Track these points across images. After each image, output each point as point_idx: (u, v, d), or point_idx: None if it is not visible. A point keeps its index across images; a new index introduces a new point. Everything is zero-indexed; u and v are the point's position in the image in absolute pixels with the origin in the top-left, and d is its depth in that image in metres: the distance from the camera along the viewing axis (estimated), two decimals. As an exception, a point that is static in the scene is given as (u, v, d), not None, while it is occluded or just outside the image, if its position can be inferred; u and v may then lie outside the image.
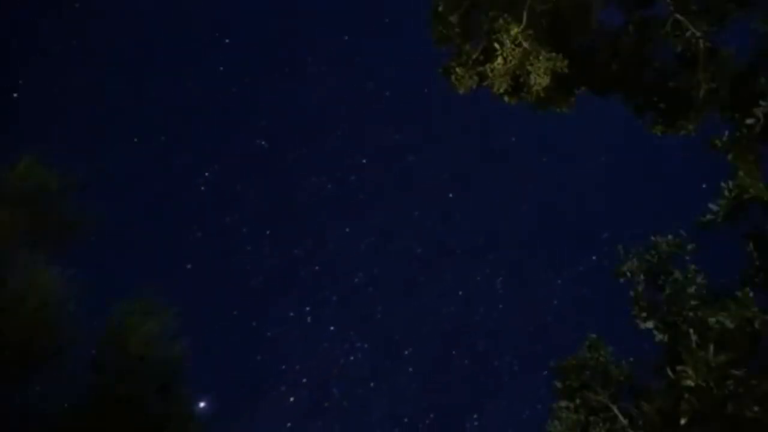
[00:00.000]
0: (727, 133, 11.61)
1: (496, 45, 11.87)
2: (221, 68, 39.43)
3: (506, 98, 12.84)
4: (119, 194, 36.21)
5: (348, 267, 41.93)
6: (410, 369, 41.05)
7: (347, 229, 42.24)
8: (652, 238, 11.65)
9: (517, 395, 37.96)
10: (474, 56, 12.42)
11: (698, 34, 12.04)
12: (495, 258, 41.41)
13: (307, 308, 41.02)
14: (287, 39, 40.35)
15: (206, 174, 39.69)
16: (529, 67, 11.93)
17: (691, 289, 10.89)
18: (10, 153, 13.85)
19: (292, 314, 40.73)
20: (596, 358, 12.50)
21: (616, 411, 11.71)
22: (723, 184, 10.90)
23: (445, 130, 41.37)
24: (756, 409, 9.11)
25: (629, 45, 12.95)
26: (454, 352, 40.84)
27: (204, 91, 39.64)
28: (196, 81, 39.21)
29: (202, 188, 39.97)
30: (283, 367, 40.14)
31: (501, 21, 11.78)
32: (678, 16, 12.09)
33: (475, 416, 39.42)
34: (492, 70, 12.14)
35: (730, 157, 11.50)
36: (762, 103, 10.86)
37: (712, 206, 10.83)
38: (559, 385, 12.70)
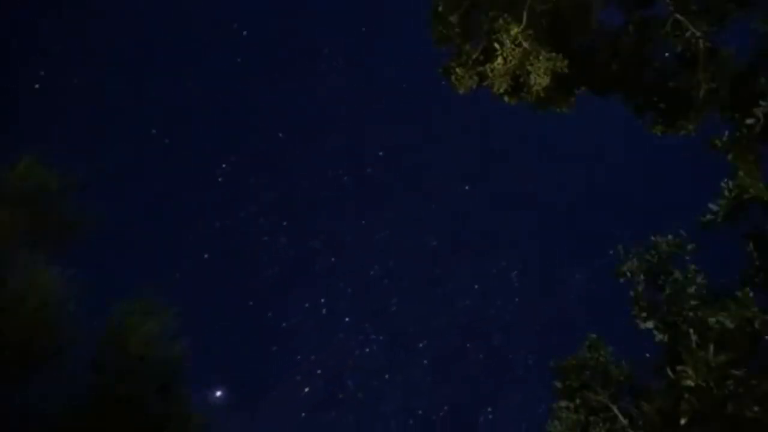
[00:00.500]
0: (727, 133, 11.61)
1: (496, 45, 11.87)
2: (238, 60, 39.46)
3: (506, 98, 12.84)
4: (120, 194, 36.25)
5: (363, 260, 42.26)
6: (425, 362, 41.27)
7: (363, 222, 42.56)
8: (652, 238, 11.64)
9: (532, 389, 37.95)
10: (474, 56, 12.42)
11: (698, 34, 12.04)
12: (511, 252, 41.46)
13: (322, 300, 41.31)
14: (302, 33, 40.37)
15: (223, 166, 39.84)
16: (529, 67, 11.93)
17: (691, 289, 10.89)
18: (10, 153, 13.85)
19: (307, 306, 41.04)
20: (596, 358, 12.50)
21: (616, 411, 11.71)
22: (723, 184, 10.90)
23: (462, 126, 41.31)
24: (756, 409, 9.10)
25: (629, 45, 12.95)
26: (468, 346, 40.97)
27: (220, 84, 39.77)
28: (212, 73, 39.34)
29: (220, 180, 40.09)
30: (298, 357, 40.49)
31: (501, 21, 11.78)
32: (678, 16, 12.09)
33: (489, 410, 39.54)
34: (492, 70, 12.14)
35: (730, 157, 11.50)
36: (762, 103, 10.85)
37: (712, 206, 10.83)
38: (559, 385, 12.69)
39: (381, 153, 41.93)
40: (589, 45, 13.24)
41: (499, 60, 11.95)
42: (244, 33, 39.27)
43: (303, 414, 39.81)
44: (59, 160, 14.19)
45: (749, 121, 10.97)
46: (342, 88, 40.85)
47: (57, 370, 13.21)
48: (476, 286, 41.89)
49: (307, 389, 40.09)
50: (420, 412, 40.31)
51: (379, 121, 41.50)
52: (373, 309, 42.00)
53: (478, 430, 40.00)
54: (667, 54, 12.93)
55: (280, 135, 41.09)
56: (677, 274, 11.26)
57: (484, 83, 12.50)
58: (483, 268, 41.90)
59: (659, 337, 10.97)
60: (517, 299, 41.11)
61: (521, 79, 12.34)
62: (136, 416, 13.43)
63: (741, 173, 11.11)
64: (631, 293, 11.48)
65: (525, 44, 11.81)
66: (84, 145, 35.46)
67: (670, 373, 10.01)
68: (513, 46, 11.84)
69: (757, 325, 9.71)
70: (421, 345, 41.29)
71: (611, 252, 11.67)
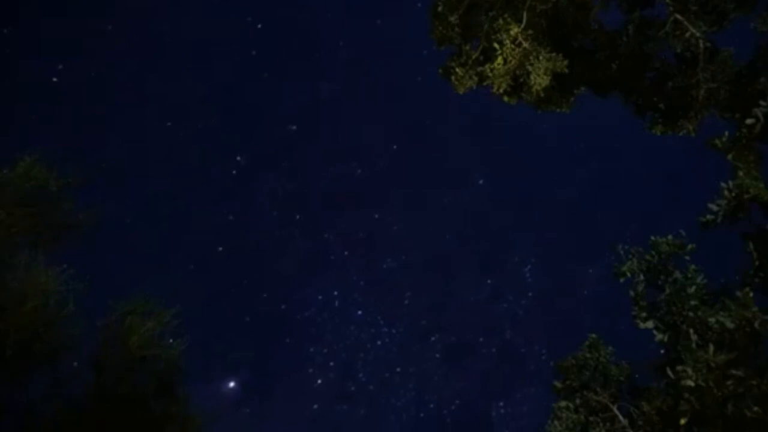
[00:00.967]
0: (727, 133, 11.60)
1: (496, 45, 11.87)
2: (253, 53, 39.47)
3: (506, 98, 12.84)
4: (131, 189, 36.33)
5: (377, 252, 42.47)
6: (437, 355, 41.48)
7: (376, 216, 42.67)
8: (652, 238, 11.63)
9: (544, 383, 37.90)
10: (474, 56, 12.41)
11: (698, 34, 12.03)
12: (525, 247, 41.47)
13: (335, 293, 41.68)
14: (317, 27, 40.33)
15: (238, 159, 39.91)
16: (529, 67, 11.92)
17: (691, 289, 10.86)
18: (10, 153, 13.86)
19: (320, 298, 41.42)
20: (596, 358, 12.49)
21: (616, 411, 11.70)
22: (723, 184, 10.88)
23: (477, 120, 41.21)
24: (756, 409, 9.10)
25: (629, 45, 12.94)
26: (481, 339, 41.09)
27: (235, 77, 39.81)
28: (226, 67, 39.33)
29: (234, 173, 40.15)
30: (311, 350, 40.87)
31: (501, 21, 11.77)
32: (678, 16, 12.08)
33: (501, 404, 39.64)
34: (492, 70, 12.14)
35: (730, 157, 11.49)
36: (762, 103, 10.84)
37: (712, 206, 10.81)
38: (559, 385, 12.69)
39: (395, 147, 41.87)
40: (589, 45, 13.24)
41: (499, 60, 11.94)
42: (259, 26, 39.29)
43: (315, 406, 40.16)
44: (60, 159, 14.22)
45: (749, 121, 10.96)
46: (358, 82, 40.84)
47: (57, 370, 13.22)
48: (489, 281, 42.03)
49: (319, 381, 40.50)
50: (432, 405, 40.56)
51: (393, 116, 41.51)
52: (385, 302, 42.30)
53: (490, 424, 40.07)
54: (667, 54, 12.94)
55: (294, 128, 41.11)
56: (677, 274, 11.24)
57: (484, 83, 12.49)
58: (496, 263, 42.01)
59: (659, 337, 10.96)
60: (530, 294, 41.13)
61: (521, 79, 12.34)
62: (136, 416, 13.44)
63: (741, 173, 11.10)
64: (631, 293, 11.47)
65: (525, 44, 11.81)
66: (93, 140, 35.54)
67: (670, 373, 9.99)
68: (513, 46, 11.84)
69: (757, 325, 9.70)
70: (433, 338, 41.51)
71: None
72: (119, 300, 14.28)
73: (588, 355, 12.60)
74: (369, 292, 42.13)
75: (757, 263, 10.80)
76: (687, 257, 11.48)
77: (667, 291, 11.16)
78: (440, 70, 12.85)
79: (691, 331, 10.30)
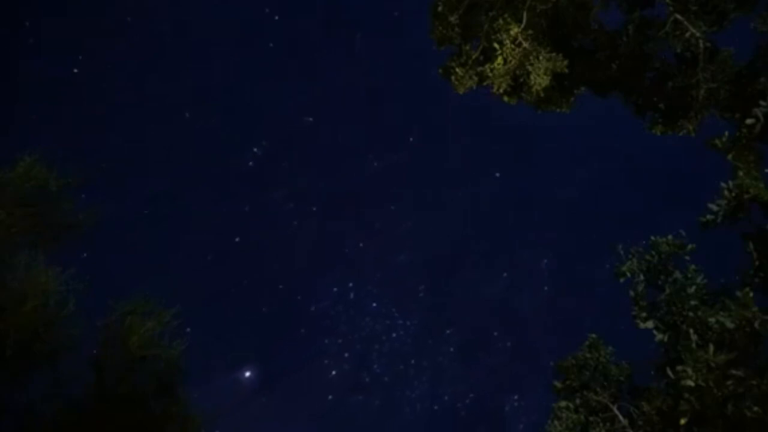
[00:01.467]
0: (727, 133, 11.60)
1: (496, 45, 11.87)
2: (270, 45, 39.44)
3: (506, 98, 12.84)
4: (122, 193, 36.30)
5: (392, 245, 42.49)
6: (451, 349, 41.55)
7: (392, 208, 42.72)
8: (652, 238, 11.63)
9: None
10: (474, 56, 12.41)
11: (698, 34, 12.03)
12: (541, 241, 41.29)
13: (350, 285, 41.82)
14: (335, 18, 40.24)
15: (255, 150, 39.92)
16: (529, 67, 11.92)
17: (691, 289, 10.86)
18: (10, 153, 13.85)
19: (335, 290, 41.58)
20: (596, 358, 12.50)
21: (616, 411, 11.71)
22: (723, 184, 10.87)
23: (494, 114, 41.06)
24: (756, 409, 9.10)
25: (629, 45, 12.94)
26: (495, 333, 41.02)
27: (252, 69, 39.82)
28: (243, 58, 39.35)
29: (250, 164, 40.17)
30: (326, 341, 41.15)
31: (501, 21, 11.77)
32: (678, 16, 12.08)
33: (516, 398, 39.64)
34: (492, 70, 12.13)
35: (730, 157, 11.49)
36: (762, 103, 10.84)
37: (712, 206, 10.81)
38: (559, 385, 12.69)
39: (411, 139, 41.79)
40: (589, 45, 13.23)
41: (499, 60, 11.94)
42: (276, 18, 39.25)
43: (330, 396, 40.49)
44: (60, 159, 14.23)
45: (749, 121, 10.96)
46: (375, 74, 40.71)
47: (57, 370, 13.22)
48: (505, 274, 41.99)
49: (334, 372, 40.80)
50: (446, 398, 40.72)
51: (409, 109, 41.38)
52: (400, 295, 42.40)
53: (503, 418, 40.10)
54: (667, 54, 12.93)
55: (311, 120, 41.07)
56: (677, 274, 11.23)
57: (484, 83, 12.49)
58: (512, 257, 41.95)
59: (659, 337, 10.95)
60: (546, 288, 41.00)
61: (521, 79, 12.34)
62: (136, 416, 13.44)
63: (741, 173, 11.10)
64: (631, 293, 11.47)
65: (525, 44, 11.81)
66: (93, 140, 35.55)
67: (670, 373, 9.99)
68: (513, 46, 11.84)
69: (757, 325, 9.70)
70: (448, 332, 41.57)
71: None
72: (119, 300, 14.28)
73: (588, 355, 12.61)
74: (384, 284, 42.31)
75: (757, 263, 10.79)
76: (687, 257, 11.48)
77: (667, 291, 11.16)
78: (440, 70, 12.85)
79: (691, 331, 10.30)
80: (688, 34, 12.16)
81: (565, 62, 11.77)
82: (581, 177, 41.19)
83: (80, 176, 14.28)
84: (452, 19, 12.22)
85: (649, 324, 11.09)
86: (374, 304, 41.68)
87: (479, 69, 12.36)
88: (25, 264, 13.14)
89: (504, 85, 12.35)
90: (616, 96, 13.64)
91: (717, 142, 11.63)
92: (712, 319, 10.09)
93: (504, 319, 41.15)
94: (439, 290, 42.44)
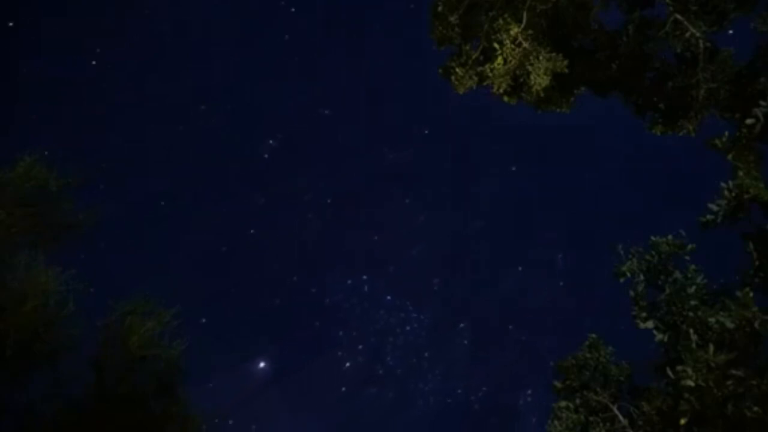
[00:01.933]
0: (727, 133, 11.60)
1: (496, 45, 11.87)
2: (286, 37, 39.40)
3: (506, 98, 12.84)
4: (122, 193, 36.31)
5: (406, 238, 42.42)
6: (465, 342, 41.44)
7: (406, 201, 42.57)
8: (652, 238, 11.63)
9: None
10: (474, 56, 12.41)
11: (698, 34, 12.03)
12: (556, 234, 41.06)
13: (364, 277, 41.89)
14: (352, 9, 40.13)
15: (270, 142, 39.94)
16: (529, 67, 11.92)
17: (691, 289, 10.86)
18: (10, 153, 13.86)
19: (349, 282, 41.65)
20: (596, 358, 12.49)
21: (616, 411, 11.70)
22: (723, 184, 10.87)
23: (508, 109, 40.77)
24: (756, 409, 9.10)
25: (629, 45, 12.94)
26: (510, 327, 40.95)
27: (267, 61, 39.79)
28: (259, 50, 39.32)
29: (266, 156, 40.21)
30: (340, 333, 41.34)
31: (501, 21, 11.77)
32: (678, 16, 12.08)
33: (529, 392, 39.52)
34: (492, 70, 12.14)
35: (730, 157, 11.49)
36: (762, 103, 10.84)
37: (712, 206, 10.81)
38: (559, 385, 12.69)
39: (426, 132, 41.66)
40: (589, 45, 13.23)
41: (499, 60, 11.94)
42: (292, 10, 39.19)
43: (343, 388, 40.70)
44: (60, 159, 14.23)
45: (749, 121, 10.95)
46: (390, 66, 40.58)
47: (57, 370, 13.22)
48: (519, 268, 41.82)
49: (348, 364, 40.99)
50: (459, 391, 40.75)
51: (425, 101, 41.26)
52: (414, 288, 42.40)
53: (516, 413, 40.02)
54: (667, 54, 12.93)
55: (327, 112, 41.02)
56: (677, 274, 11.23)
57: (484, 83, 12.49)
58: (527, 251, 41.71)
59: (659, 337, 10.95)
60: (561, 283, 40.87)
61: (521, 79, 12.34)
62: (136, 416, 13.44)
63: (741, 173, 11.10)
64: (631, 293, 11.47)
65: (525, 44, 11.81)
66: (93, 140, 35.56)
67: (670, 373, 9.99)
68: (513, 46, 11.84)
69: (757, 325, 9.70)
70: (461, 325, 41.47)
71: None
72: (119, 300, 14.28)
73: (588, 355, 12.61)
74: (398, 277, 42.35)
75: (757, 263, 10.79)
76: (687, 257, 11.48)
77: (667, 291, 11.16)
78: (440, 70, 12.85)
79: (691, 331, 10.30)
80: (688, 34, 12.16)
81: (565, 62, 11.78)
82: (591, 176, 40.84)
83: (80, 176, 14.29)
84: (452, 19, 12.22)
85: (649, 324, 11.09)
86: (388, 297, 41.82)
87: (479, 69, 12.37)
88: (25, 264, 13.14)
89: (504, 85, 12.35)
90: (616, 96, 13.64)
91: (717, 142, 11.63)
92: (712, 319, 10.09)
93: (518, 313, 41.05)
94: (453, 284, 42.51)
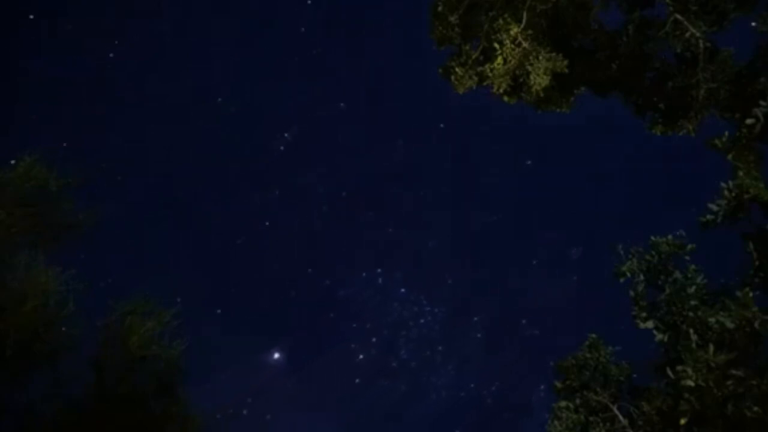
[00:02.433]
0: (727, 133, 11.60)
1: (496, 45, 11.87)
2: (302, 29, 39.34)
3: (506, 98, 12.84)
4: (122, 193, 36.34)
5: (421, 233, 42.24)
6: (478, 335, 41.43)
7: (421, 194, 42.50)
8: (652, 238, 11.63)
9: None
10: (474, 56, 12.41)
11: (698, 34, 12.03)
12: (571, 229, 40.69)
13: (379, 270, 41.85)
14: (352, 8, 40.14)
15: (285, 135, 39.99)
16: (529, 67, 11.92)
17: (691, 289, 10.85)
18: (10, 153, 13.86)
19: (364, 275, 41.75)
20: (596, 358, 12.50)
21: (616, 411, 11.71)
22: (723, 184, 10.87)
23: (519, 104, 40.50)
24: (756, 409, 9.10)
25: (629, 45, 12.94)
26: (524, 322, 40.74)
27: (284, 52, 39.76)
28: (276, 42, 39.33)
29: (282, 148, 40.26)
30: (354, 325, 41.42)
31: (501, 21, 11.77)
32: (678, 16, 12.08)
33: (542, 387, 39.09)
34: (492, 70, 12.14)
35: (730, 157, 11.49)
36: (762, 103, 10.84)
37: (712, 206, 10.81)
38: (559, 385, 12.70)
39: (442, 125, 41.50)
40: (589, 45, 13.23)
41: (499, 60, 11.94)
42: (309, 2, 39.16)
43: (357, 380, 40.78)
44: (60, 159, 14.23)
45: (749, 121, 10.95)
46: (408, 57, 40.40)
47: (57, 370, 13.22)
48: (534, 262, 41.67)
49: (361, 356, 41.05)
50: (472, 385, 40.72)
51: (441, 93, 41.08)
52: (428, 282, 42.39)
53: (530, 407, 39.89)
54: (667, 54, 12.93)
55: (342, 105, 40.99)
56: (677, 274, 11.23)
57: (484, 83, 12.49)
58: (542, 245, 41.53)
59: (659, 337, 10.95)
60: (575, 277, 40.68)
61: (521, 79, 12.34)
62: (136, 416, 13.44)
63: (741, 173, 11.10)
64: (631, 293, 11.47)
65: (525, 44, 11.81)
66: (93, 140, 35.57)
67: (670, 373, 9.99)
68: (513, 46, 11.84)
69: (757, 325, 9.70)
70: (475, 319, 41.38)
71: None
72: (119, 300, 14.28)
73: (588, 355, 12.61)
74: (412, 271, 42.33)
75: (757, 263, 10.79)
76: (687, 257, 11.48)
77: (667, 291, 11.16)
78: (440, 70, 12.85)
79: (691, 331, 10.30)
80: (688, 34, 12.16)
81: (565, 62, 11.77)
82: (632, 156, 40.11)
83: (80, 176, 14.29)
84: (452, 19, 12.22)
85: (649, 324, 11.09)
86: (402, 290, 41.84)
87: (479, 69, 12.37)
88: (25, 264, 13.15)
89: (504, 85, 12.35)
90: (616, 96, 13.64)
91: (717, 142, 11.63)
92: (712, 319, 10.09)
93: (532, 307, 40.82)
94: (467, 277, 42.34)
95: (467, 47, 12.50)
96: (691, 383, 9.52)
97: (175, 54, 38.40)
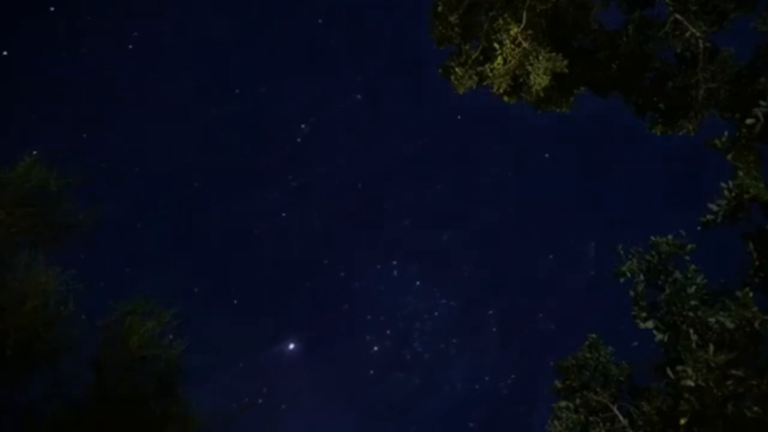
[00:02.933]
0: (727, 133, 11.60)
1: (496, 45, 11.87)
2: (319, 21, 39.22)
3: (506, 98, 12.84)
4: (122, 193, 36.33)
5: (436, 225, 41.93)
6: (494, 329, 41.10)
7: (438, 187, 42.20)
8: (652, 238, 11.63)
9: None
10: (474, 56, 12.42)
11: (698, 34, 12.03)
12: (590, 222, 40.19)
13: (394, 263, 41.51)
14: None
15: (302, 126, 39.96)
16: (528, 67, 11.92)
17: (691, 289, 10.85)
18: (10, 153, 13.86)
19: (378, 267, 41.45)
20: (596, 358, 12.50)
21: (616, 411, 11.71)
22: (723, 184, 10.87)
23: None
24: (756, 409, 9.10)
25: (629, 45, 12.94)
26: (540, 315, 40.39)
27: (301, 44, 39.55)
28: (292, 34, 39.16)
29: (298, 140, 40.25)
30: (369, 317, 41.02)
31: (501, 21, 11.78)
32: (678, 16, 12.08)
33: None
34: (492, 70, 12.14)
35: (730, 157, 11.49)
36: (762, 103, 10.83)
37: (712, 206, 10.80)
38: (559, 385, 12.71)
39: (459, 117, 41.28)
40: (589, 45, 13.24)
41: (499, 60, 11.95)
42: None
43: (371, 372, 40.61)
44: (60, 159, 14.24)
45: (749, 121, 10.95)
46: (425, 48, 40.21)
47: (57, 370, 13.22)
48: (551, 256, 41.23)
49: (375, 348, 40.79)
50: (487, 378, 40.35)
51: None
52: (444, 274, 42.15)
53: (545, 401, 39.56)
54: (667, 54, 12.94)
55: (359, 97, 40.87)
56: (677, 274, 11.23)
57: (484, 83, 12.50)
58: (559, 238, 40.96)
59: (659, 337, 10.95)
60: (592, 272, 40.39)
61: (521, 79, 12.34)
62: (136, 416, 13.44)
63: (741, 173, 11.10)
64: (631, 293, 11.47)
65: (525, 44, 11.81)
66: (93, 140, 35.57)
67: (670, 373, 9.99)
68: (513, 46, 11.84)
69: (757, 325, 9.69)
70: (490, 312, 41.09)
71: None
72: (119, 300, 14.28)
73: (588, 355, 12.61)
74: (427, 263, 42.01)
75: (757, 263, 10.79)
76: (687, 257, 11.47)
77: (667, 291, 11.16)
78: (440, 70, 12.85)
79: (691, 331, 10.30)
80: (688, 34, 12.16)
81: (565, 62, 11.78)
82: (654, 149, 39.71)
83: (80, 176, 14.29)
84: (452, 18, 12.23)
85: (649, 324, 11.09)
86: (417, 283, 41.55)
87: (479, 69, 12.37)
88: (25, 264, 13.15)
89: (504, 85, 12.35)
90: (616, 96, 13.65)
91: (717, 142, 11.63)
92: (712, 319, 10.09)
93: (548, 301, 40.56)
94: (482, 270, 42.06)
95: (467, 47, 12.51)
96: (691, 383, 9.52)
97: (175, 54, 38.40)
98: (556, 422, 12.06)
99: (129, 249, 36.39)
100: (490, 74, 12.18)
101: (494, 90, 12.46)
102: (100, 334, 13.89)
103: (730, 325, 9.82)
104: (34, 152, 13.73)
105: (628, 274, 11.56)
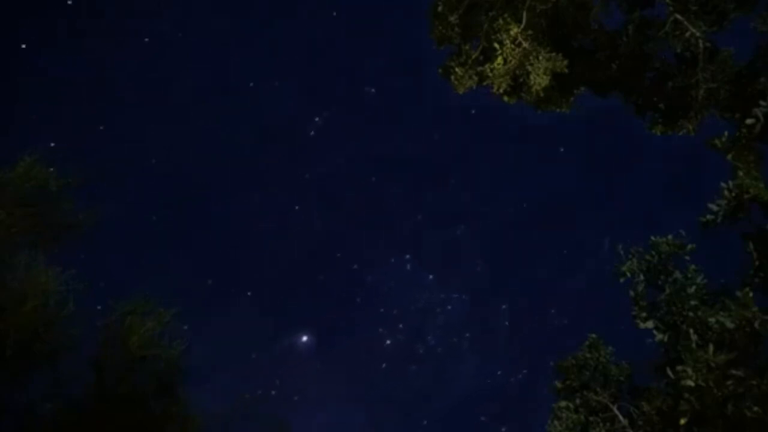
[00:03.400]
0: (727, 133, 11.60)
1: (496, 45, 11.87)
2: (333, 14, 39.11)
3: (506, 98, 12.84)
4: (122, 193, 36.30)
5: (449, 220, 41.85)
6: (506, 323, 40.97)
7: (452, 181, 42.29)
8: (652, 238, 11.63)
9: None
10: (474, 56, 12.42)
11: (698, 34, 12.03)
12: (604, 217, 39.83)
13: (407, 256, 41.51)
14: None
15: (316, 120, 39.94)
16: (528, 67, 11.92)
17: (691, 289, 10.85)
18: (10, 153, 13.86)
19: (392, 261, 41.47)
20: (596, 358, 12.51)
21: (616, 411, 11.71)
22: (723, 184, 10.87)
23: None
24: (756, 409, 9.10)
25: (629, 45, 12.94)
26: (552, 311, 40.26)
27: (314, 38, 39.42)
28: (305, 27, 39.03)
29: (312, 134, 40.24)
30: (381, 310, 41.07)
31: (501, 21, 11.77)
32: (678, 16, 12.08)
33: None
34: (492, 70, 12.14)
35: (730, 157, 11.49)
36: (762, 103, 10.84)
37: (712, 206, 10.80)
38: (559, 385, 12.71)
39: (473, 111, 41.15)
40: (589, 45, 13.24)
41: (499, 60, 11.94)
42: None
43: (384, 365, 40.63)
44: (60, 159, 14.24)
45: (749, 121, 10.95)
46: (425, 48, 40.11)
47: (57, 370, 13.23)
48: (565, 251, 41.08)
49: (388, 341, 40.79)
50: (499, 372, 40.35)
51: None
52: (456, 269, 42.23)
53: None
54: (667, 54, 12.94)
55: (372, 90, 40.79)
56: (677, 274, 11.23)
57: (484, 83, 12.50)
58: (573, 233, 40.81)
59: (659, 337, 10.95)
60: (606, 268, 40.21)
61: (521, 79, 12.34)
62: (136, 416, 13.45)
63: (741, 173, 11.10)
64: (631, 293, 11.47)
65: (525, 44, 11.81)
66: (93, 140, 35.56)
67: (670, 373, 9.98)
68: (513, 46, 11.83)
69: (757, 325, 9.69)
70: (503, 307, 40.99)
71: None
72: (119, 300, 14.29)
73: (588, 355, 12.62)
74: (441, 257, 41.97)
75: (757, 263, 10.79)
76: (687, 257, 11.48)
77: (667, 291, 11.16)
78: (440, 70, 12.85)
79: (691, 331, 10.30)
80: (688, 34, 12.16)
81: (565, 62, 11.77)
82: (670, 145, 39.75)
83: (80, 176, 14.30)
84: (452, 18, 12.22)
85: (649, 324, 11.09)
86: (430, 277, 41.61)
87: (479, 69, 12.37)
88: (25, 264, 13.15)
89: (504, 85, 12.35)
90: (616, 96, 13.65)
91: (717, 142, 11.63)
92: (712, 319, 10.09)
93: (561, 296, 40.47)
94: (495, 265, 41.97)
95: (467, 47, 12.50)
96: (691, 383, 9.52)
97: (176, 54, 38.38)
98: (556, 422, 12.06)
99: (129, 249, 36.35)
100: (490, 74, 12.18)
101: (494, 90, 12.45)
102: (100, 334, 13.91)
103: (730, 325, 9.82)
104: (34, 152, 13.74)
105: (628, 274, 11.56)
